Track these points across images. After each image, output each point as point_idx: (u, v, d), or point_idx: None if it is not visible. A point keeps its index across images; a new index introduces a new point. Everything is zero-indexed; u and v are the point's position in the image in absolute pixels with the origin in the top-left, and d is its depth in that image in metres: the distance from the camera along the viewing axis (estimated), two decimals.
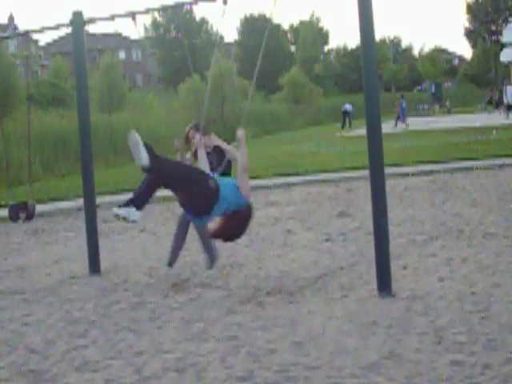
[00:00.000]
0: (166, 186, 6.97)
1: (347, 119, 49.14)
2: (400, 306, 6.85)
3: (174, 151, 9.01)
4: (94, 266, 9.41)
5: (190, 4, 8.73)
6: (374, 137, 7.46)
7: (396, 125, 43.35)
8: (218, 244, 10.75)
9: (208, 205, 6.88)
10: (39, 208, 15.51)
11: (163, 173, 6.75)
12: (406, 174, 17.88)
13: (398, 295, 7.25)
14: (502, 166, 18.14)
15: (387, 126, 37.49)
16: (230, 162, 8.91)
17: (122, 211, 6.72)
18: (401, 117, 44.34)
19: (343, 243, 10.26)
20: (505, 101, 44.23)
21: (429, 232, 10.57)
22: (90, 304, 7.79)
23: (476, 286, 7.39)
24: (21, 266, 10.35)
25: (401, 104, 44.83)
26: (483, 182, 15.83)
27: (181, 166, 7.33)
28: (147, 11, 9.07)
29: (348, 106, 49.86)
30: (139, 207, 6.78)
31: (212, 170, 8.02)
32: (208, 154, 8.57)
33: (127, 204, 6.76)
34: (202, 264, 9.47)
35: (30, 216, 15.00)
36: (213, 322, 6.75)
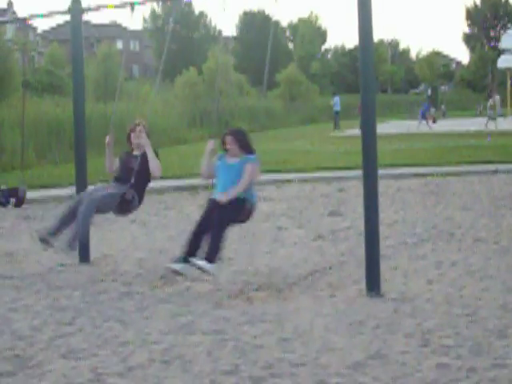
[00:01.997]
0: None
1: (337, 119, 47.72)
2: (388, 306, 6.86)
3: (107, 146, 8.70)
4: (84, 255, 9.39)
5: None
6: (369, 137, 7.45)
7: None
8: None
9: None
10: (31, 194, 15.45)
11: None
12: (399, 176, 17.89)
13: (387, 296, 7.26)
14: (494, 172, 18.17)
15: (380, 126, 37.38)
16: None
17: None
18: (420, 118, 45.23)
19: (334, 242, 10.26)
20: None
21: (419, 234, 10.59)
22: (77, 292, 7.77)
23: (464, 290, 7.41)
24: (10, 251, 10.32)
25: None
26: (476, 186, 15.86)
27: None
28: (146, 1, 9.06)
29: (337, 101, 48.75)
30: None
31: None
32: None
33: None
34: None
35: (20, 201, 14.90)
36: (200, 315, 6.74)
